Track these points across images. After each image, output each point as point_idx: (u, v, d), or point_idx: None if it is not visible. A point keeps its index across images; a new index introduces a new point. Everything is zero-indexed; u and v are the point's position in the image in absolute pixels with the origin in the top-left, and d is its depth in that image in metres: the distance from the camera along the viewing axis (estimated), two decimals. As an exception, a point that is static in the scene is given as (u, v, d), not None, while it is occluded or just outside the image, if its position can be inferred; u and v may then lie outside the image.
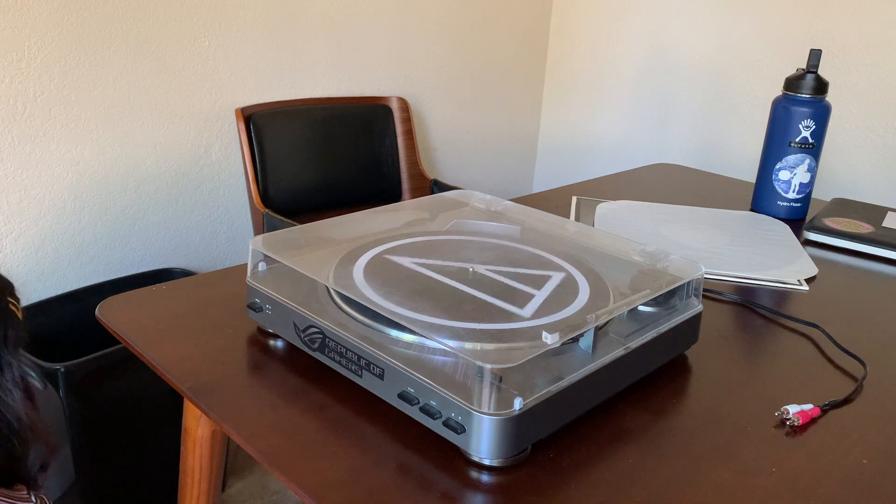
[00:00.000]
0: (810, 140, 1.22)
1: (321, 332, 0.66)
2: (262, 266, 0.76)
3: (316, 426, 0.61)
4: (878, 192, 1.76)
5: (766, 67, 1.89)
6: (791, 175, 1.24)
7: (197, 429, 0.82)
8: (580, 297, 0.74)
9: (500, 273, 0.79)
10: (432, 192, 1.86)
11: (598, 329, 0.67)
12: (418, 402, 0.59)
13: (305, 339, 0.68)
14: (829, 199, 1.34)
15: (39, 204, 1.45)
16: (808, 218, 1.27)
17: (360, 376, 0.64)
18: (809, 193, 1.26)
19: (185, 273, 1.65)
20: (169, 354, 0.71)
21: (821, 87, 1.21)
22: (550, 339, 0.62)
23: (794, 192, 1.25)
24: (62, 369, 1.27)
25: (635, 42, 2.19)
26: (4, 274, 0.70)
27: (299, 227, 0.80)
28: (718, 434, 0.64)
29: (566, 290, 0.75)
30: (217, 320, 0.78)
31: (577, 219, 1.17)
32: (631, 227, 1.14)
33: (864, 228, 1.15)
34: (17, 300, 0.69)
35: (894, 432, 0.66)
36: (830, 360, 0.78)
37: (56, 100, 1.44)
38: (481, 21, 2.19)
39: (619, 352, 0.65)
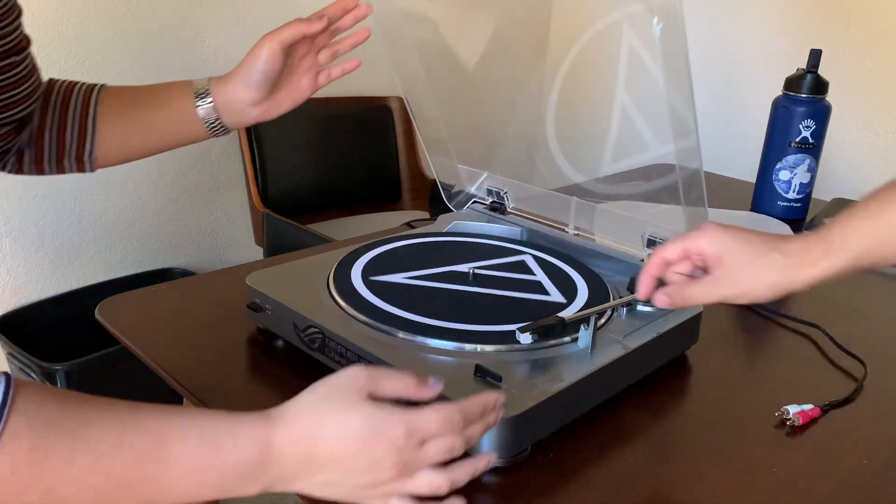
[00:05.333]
0: (810, 140, 1.22)
1: (321, 332, 0.66)
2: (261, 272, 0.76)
3: (316, 426, 0.61)
4: (878, 192, 1.76)
5: (766, 67, 1.89)
6: (791, 175, 1.24)
7: (197, 429, 0.82)
8: (580, 298, 0.74)
9: (499, 274, 0.79)
10: (432, 193, 1.86)
11: (597, 329, 0.67)
12: (418, 402, 0.59)
13: (305, 339, 0.68)
14: (829, 199, 1.34)
15: (39, 204, 1.45)
16: (808, 218, 1.26)
17: (360, 376, 0.64)
18: (809, 193, 1.26)
19: (185, 273, 1.65)
20: (169, 354, 0.71)
21: (821, 87, 1.21)
22: (523, 339, 0.62)
23: (794, 192, 1.25)
24: (62, 369, 1.27)
25: (635, 42, 2.19)
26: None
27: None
28: (718, 434, 0.64)
29: (566, 291, 0.75)
30: (217, 320, 0.78)
31: (577, 218, 1.16)
32: (631, 227, 1.14)
33: (864, 228, 1.15)
34: None
35: (894, 432, 0.66)
36: (830, 360, 0.78)
37: (56, 100, 1.44)
38: (481, 21, 2.18)
39: (618, 352, 0.65)
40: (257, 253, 1.75)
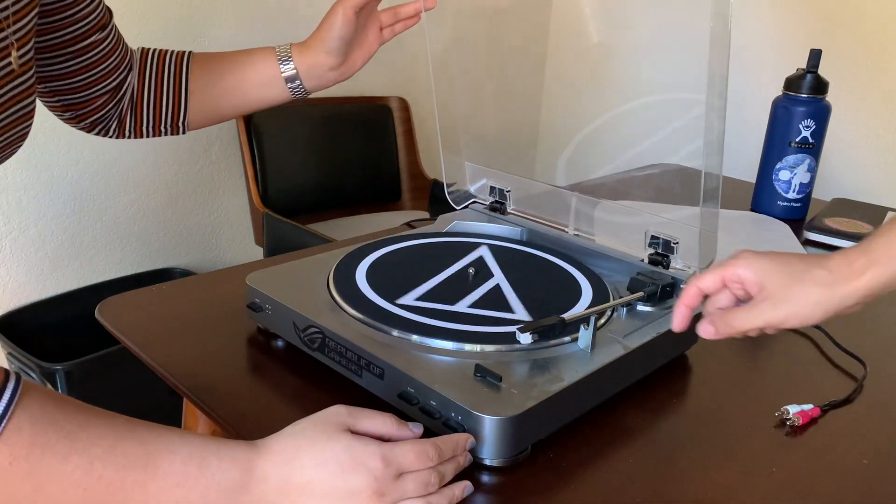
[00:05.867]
0: (810, 140, 1.22)
1: (321, 332, 0.66)
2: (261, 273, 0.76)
3: (316, 426, 0.61)
4: (878, 192, 1.76)
5: (766, 67, 1.89)
6: (791, 175, 1.24)
7: (197, 429, 0.82)
8: (581, 298, 0.74)
9: (500, 274, 0.79)
10: (432, 193, 1.86)
11: (597, 329, 0.67)
12: (418, 403, 0.59)
13: (305, 339, 0.68)
14: (829, 199, 1.34)
15: (39, 204, 1.45)
16: (808, 218, 1.27)
17: (360, 376, 0.64)
18: (809, 193, 1.26)
19: (185, 273, 1.65)
20: (169, 354, 0.71)
21: (821, 87, 1.21)
22: (523, 339, 0.62)
23: (794, 192, 1.25)
24: (62, 369, 1.27)
25: (635, 42, 2.19)
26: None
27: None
28: (718, 434, 0.64)
29: (566, 291, 0.75)
30: (217, 320, 0.78)
31: (577, 218, 1.16)
32: (632, 227, 1.14)
33: (865, 228, 1.15)
34: None
35: (894, 432, 0.66)
36: (830, 360, 0.78)
37: (56, 100, 1.44)
38: (481, 21, 2.18)
39: (618, 352, 0.65)
40: (257, 253, 1.75)
